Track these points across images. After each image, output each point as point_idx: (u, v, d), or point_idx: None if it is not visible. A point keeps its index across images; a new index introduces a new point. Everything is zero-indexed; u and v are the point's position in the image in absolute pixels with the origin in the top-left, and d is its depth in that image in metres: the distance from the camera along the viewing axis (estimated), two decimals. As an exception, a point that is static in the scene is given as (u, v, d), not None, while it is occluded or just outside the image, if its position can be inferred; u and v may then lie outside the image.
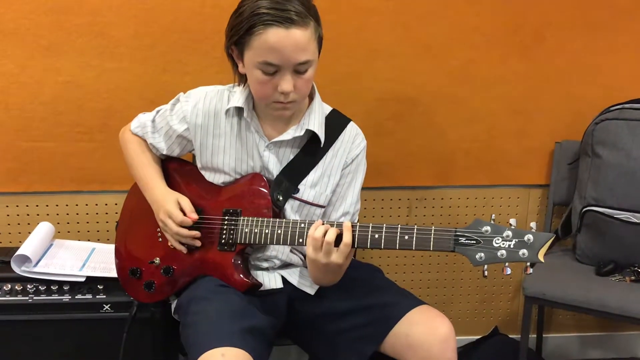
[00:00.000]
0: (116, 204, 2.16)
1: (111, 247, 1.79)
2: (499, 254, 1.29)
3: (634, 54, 2.26)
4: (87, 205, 2.17)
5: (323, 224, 1.42)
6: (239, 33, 1.41)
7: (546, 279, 2.00)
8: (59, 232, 2.11)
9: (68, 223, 2.17)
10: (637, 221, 2.00)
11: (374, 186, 2.21)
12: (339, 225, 1.41)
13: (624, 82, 2.27)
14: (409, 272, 2.42)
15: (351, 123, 1.66)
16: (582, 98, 2.28)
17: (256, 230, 1.52)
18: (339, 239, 1.39)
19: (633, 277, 1.99)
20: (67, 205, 2.16)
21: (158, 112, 1.69)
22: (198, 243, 1.57)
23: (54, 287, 1.79)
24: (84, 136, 2.10)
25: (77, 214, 2.17)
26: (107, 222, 2.18)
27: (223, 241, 1.55)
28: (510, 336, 2.43)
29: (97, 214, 2.18)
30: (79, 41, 2.03)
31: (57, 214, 2.16)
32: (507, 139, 2.31)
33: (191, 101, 1.60)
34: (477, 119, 2.28)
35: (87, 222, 2.18)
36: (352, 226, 1.40)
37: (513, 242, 1.29)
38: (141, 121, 1.70)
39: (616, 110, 2.10)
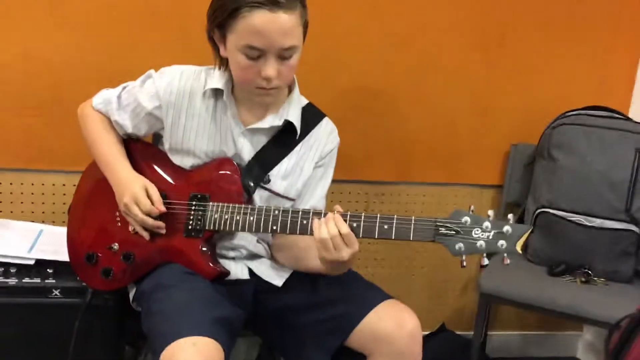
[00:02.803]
0: (64, 185, 2.06)
1: (60, 230, 1.70)
2: (478, 244, 1.30)
3: (589, 63, 2.34)
4: (33, 184, 2.05)
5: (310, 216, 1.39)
6: (223, 15, 1.35)
7: (500, 277, 2.04)
8: (1, 211, 2.00)
9: (12, 203, 2.04)
10: (589, 224, 2.07)
11: (332, 179, 2.19)
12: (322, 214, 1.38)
13: (580, 89, 2.35)
14: (362, 266, 2.41)
15: (326, 118, 1.64)
16: (538, 102, 2.34)
17: (226, 217, 1.47)
18: None
19: (583, 279, 2.05)
20: (11, 184, 2.03)
21: (124, 88, 1.60)
22: (163, 231, 1.51)
23: (-1, 269, 1.68)
24: (32, 111, 1.98)
25: (22, 193, 2.05)
26: (53, 203, 2.07)
27: (190, 227, 1.50)
28: (457, 332, 2.46)
29: (43, 194, 2.06)
30: (36, 10, 1.91)
31: (1, 193, 2.03)
32: (464, 138, 2.34)
33: (165, 78, 1.53)
34: (437, 116, 2.30)
35: (33, 203, 2.06)
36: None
37: (492, 233, 1.30)
38: (105, 97, 1.61)
39: (573, 115, 2.17)
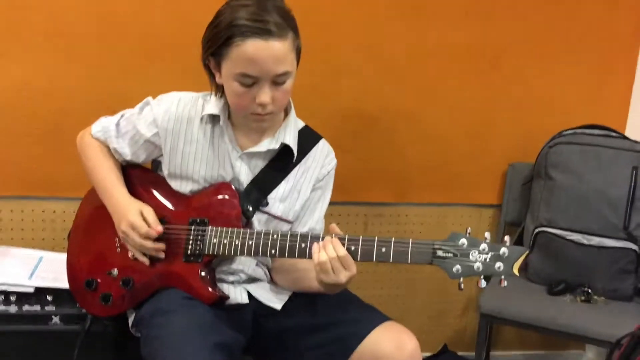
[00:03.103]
0: (64, 212, 2.07)
1: (61, 257, 1.70)
2: (475, 266, 1.31)
3: (583, 83, 2.37)
4: (33, 211, 2.06)
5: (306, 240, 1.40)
6: (217, 44, 1.37)
7: (500, 297, 2.04)
8: (1, 238, 2.00)
9: (12, 229, 2.06)
10: (588, 243, 2.08)
11: (331, 201, 2.19)
12: (317, 238, 1.39)
13: (575, 108, 2.37)
14: (362, 288, 2.38)
15: (323, 140, 1.65)
16: (534, 122, 2.36)
17: (225, 241, 1.47)
18: None
19: (583, 297, 2.06)
20: (12, 211, 2.04)
21: (123, 115, 1.62)
22: (162, 255, 1.51)
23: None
24: (33, 139, 2.01)
25: (23, 220, 2.06)
26: (54, 229, 2.08)
27: (189, 252, 1.50)
28: (459, 353, 2.45)
29: (43, 221, 2.07)
30: (36, 40, 1.94)
31: (1, 220, 2.04)
32: (462, 159, 2.36)
33: (163, 105, 1.55)
34: (434, 139, 2.32)
35: (33, 230, 2.07)
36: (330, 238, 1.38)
37: (489, 255, 1.31)
38: (104, 125, 1.63)
39: (569, 134, 2.18)
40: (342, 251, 1.34)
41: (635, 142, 2.13)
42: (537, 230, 2.16)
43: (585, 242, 2.08)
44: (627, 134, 2.31)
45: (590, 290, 2.06)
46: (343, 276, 1.34)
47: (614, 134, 2.17)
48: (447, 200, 2.39)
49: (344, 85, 2.19)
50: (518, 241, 2.28)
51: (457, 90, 2.28)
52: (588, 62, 2.35)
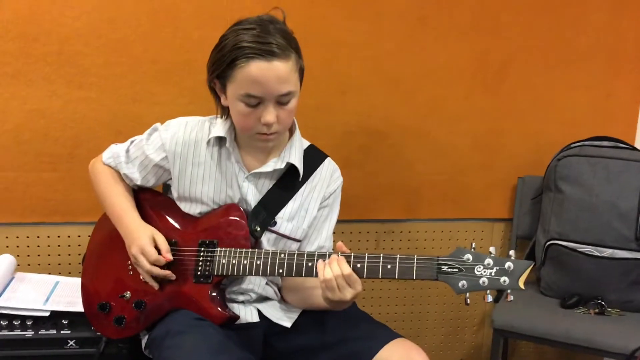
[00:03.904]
0: (79, 236, 2.10)
1: (76, 281, 1.73)
2: (480, 281, 1.32)
3: (591, 93, 2.37)
4: (49, 237, 2.10)
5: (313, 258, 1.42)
6: (222, 66, 1.41)
7: (513, 311, 2.04)
8: (19, 265, 2.03)
9: (29, 256, 2.09)
10: (600, 255, 2.07)
11: (341, 219, 2.18)
12: (324, 256, 1.41)
13: (582, 119, 2.37)
14: (376, 305, 2.42)
15: (329, 159, 1.68)
16: (542, 134, 2.36)
17: (234, 262, 1.49)
18: None
19: (597, 310, 2.04)
20: (28, 237, 2.08)
21: (132, 142, 1.66)
22: (173, 277, 1.54)
23: (16, 322, 1.72)
24: (48, 166, 2.05)
25: (39, 246, 2.10)
26: (69, 254, 2.12)
27: (199, 273, 1.52)
28: (475, 369, 2.45)
29: (59, 246, 2.11)
30: (46, 69, 1.99)
31: (18, 246, 2.08)
32: (471, 174, 2.36)
33: (171, 130, 1.58)
34: (443, 154, 2.33)
35: (49, 255, 2.11)
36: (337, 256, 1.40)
37: (494, 269, 1.32)
38: (114, 152, 1.67)
39: (577, 147, 2.18)
40: (347, 269, 1.36)
41: (644, 152, 2.13)
42: (548, 243, 2.15)
43: (597, 254, 2.07)
44: (637, 145, 2.31)
45: (603, 303, 2.04)
46: (348, 293, 1.36)
47: (622, 145, 2.17)
48: (458, 216, 2.40)
49: (351, 101, 2.21)
50: (530, 255, 2.27)
51: (464, 103, 2.30)
52: (595, 73, 2.35)
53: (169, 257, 1.52)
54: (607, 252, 2.06)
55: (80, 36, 1.98)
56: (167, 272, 1.52)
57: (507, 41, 2.28)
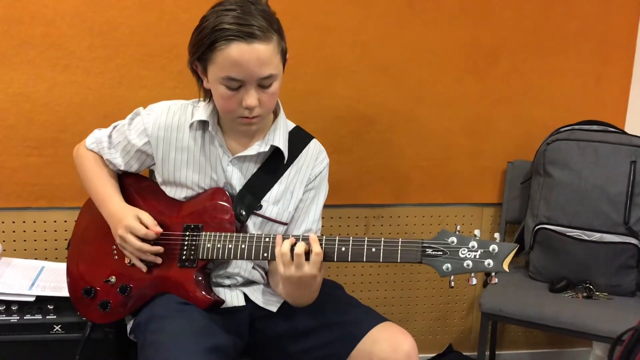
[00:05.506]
0: (65, 221, 2.09)
1: (62, 266, 1.72)
2: (465, 264, 1.31)
3: (581, 78, 2.36)
4: (35, 222, 2.08)
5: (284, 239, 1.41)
6: (202, 49, 1.39)
7: (501, 295, 2.04)
8: (4, 250, 2.02)
9: (14, 241, 2.08)
10: (588, 239, 2.06)
11: (331, 204, 2.20)
12: (305, 239, 1.39)
13: (573, 104, 2.36)
14: (365, 290, 2.42)
15: (314, 140, 1.66)
16: (532, 119, 2.35)
17: (219, 246, 1.48)
18: (307, 253, 1.38)
19: (585, 294, 2.04)
20: (14, 222, 2.07)
21: (115, 127, 1.64)
22: (159, 260, 1.53)
23: (1, 308, 1.71)
24: (33, 150, 2.03)
25: (25, 231, 2.08)
26: (55, 239, 2.10)
27: (184, 257, 1.51)
28: (464, 353, 2.44)
29: (45, 231, 2.10)
30: (31, 53, 1.97)
31: (4, 232, 2.07)
32: (461, 158, 2.35)
33: (153, 114, 1.57)
34: (433, 138, 2.32)
35: (35, 240, 2.10)
36: (319, 238, 1.39)
37: (478, 252, 1.31)
38: (97, 137, 1.65)
39: (567, 131, 2.17)
40: (302, 246, 1.37)
41: (633, 136, 2.12)
42: (537, 227, 2.15)
43: (585, 238, 2.06)
44: (626, 129, 2.30)
45: (591, 287, 2.05)
46: (307, 269, 1.36)
47: (611, 129, 2.16)
48: (448, 200, 2.39)
49: (340, 86, 2.19)
50: (519, 239, 2.26)
51: (454, 88, 2.28)
52: (585, 58, 2.34)
53: (158, 229, 1.51)
54: (596, 236, 2.06)
55: (65, 19, 1.96)
56: (158, 248, 1.51)
57: (497, 26, 2.26)
